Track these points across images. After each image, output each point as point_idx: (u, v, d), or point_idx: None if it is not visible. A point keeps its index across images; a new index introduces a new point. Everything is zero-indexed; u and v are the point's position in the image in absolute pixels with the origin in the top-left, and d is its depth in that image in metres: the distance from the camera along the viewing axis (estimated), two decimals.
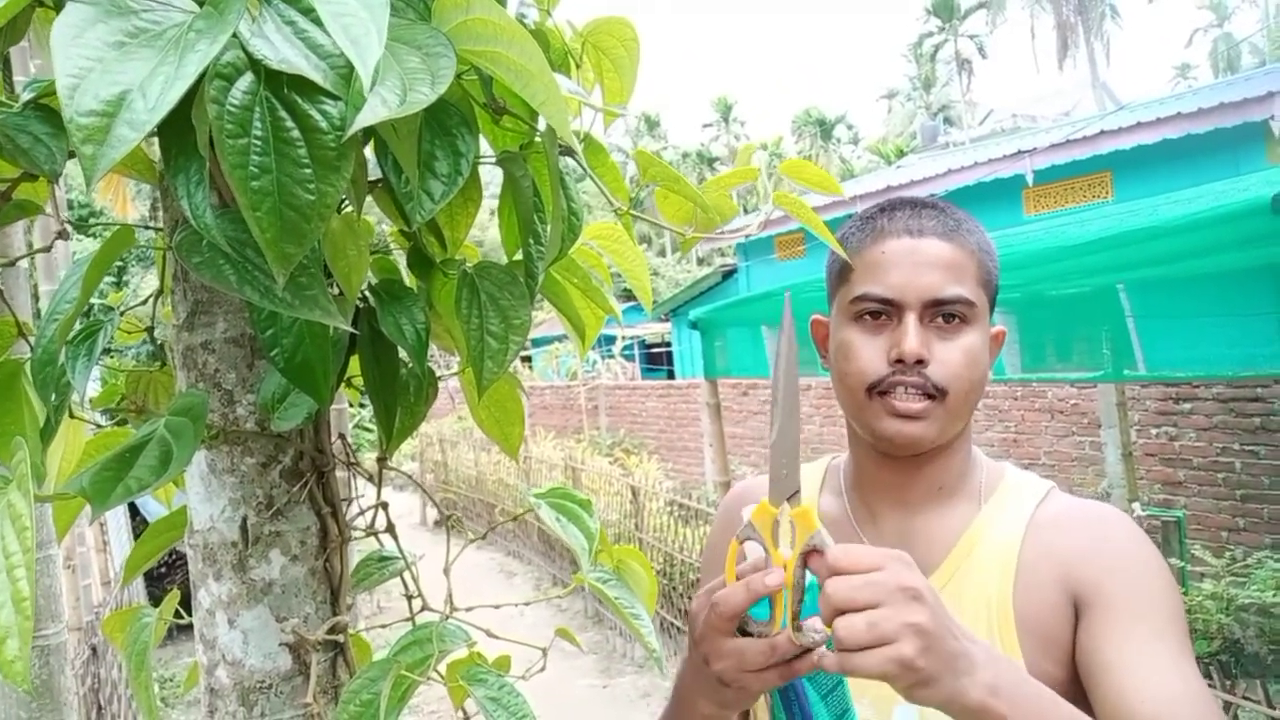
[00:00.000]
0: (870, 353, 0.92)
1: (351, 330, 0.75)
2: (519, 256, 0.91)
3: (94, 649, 4.10)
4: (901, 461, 0.96)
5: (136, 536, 6.68)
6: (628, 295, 25.88)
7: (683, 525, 6.33)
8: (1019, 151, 9.30)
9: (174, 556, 6.49)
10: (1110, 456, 5.52)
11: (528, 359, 20.25)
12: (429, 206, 0.71)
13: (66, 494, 0.61)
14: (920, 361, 0.89)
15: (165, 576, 6.87)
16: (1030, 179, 9.06)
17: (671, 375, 17.58)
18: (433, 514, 10.86)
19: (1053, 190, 9.35)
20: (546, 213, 0.89)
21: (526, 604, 1.09)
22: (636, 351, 20.51)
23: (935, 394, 0.90)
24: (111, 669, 4.30)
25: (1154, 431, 5.96)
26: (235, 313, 0.82)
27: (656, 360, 20.64)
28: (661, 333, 20.12)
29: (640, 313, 21.58)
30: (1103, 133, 8.48)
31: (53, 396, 0.75)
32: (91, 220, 0.93)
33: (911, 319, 0.90)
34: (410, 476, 1.02)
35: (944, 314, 0.91)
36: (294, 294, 0.66)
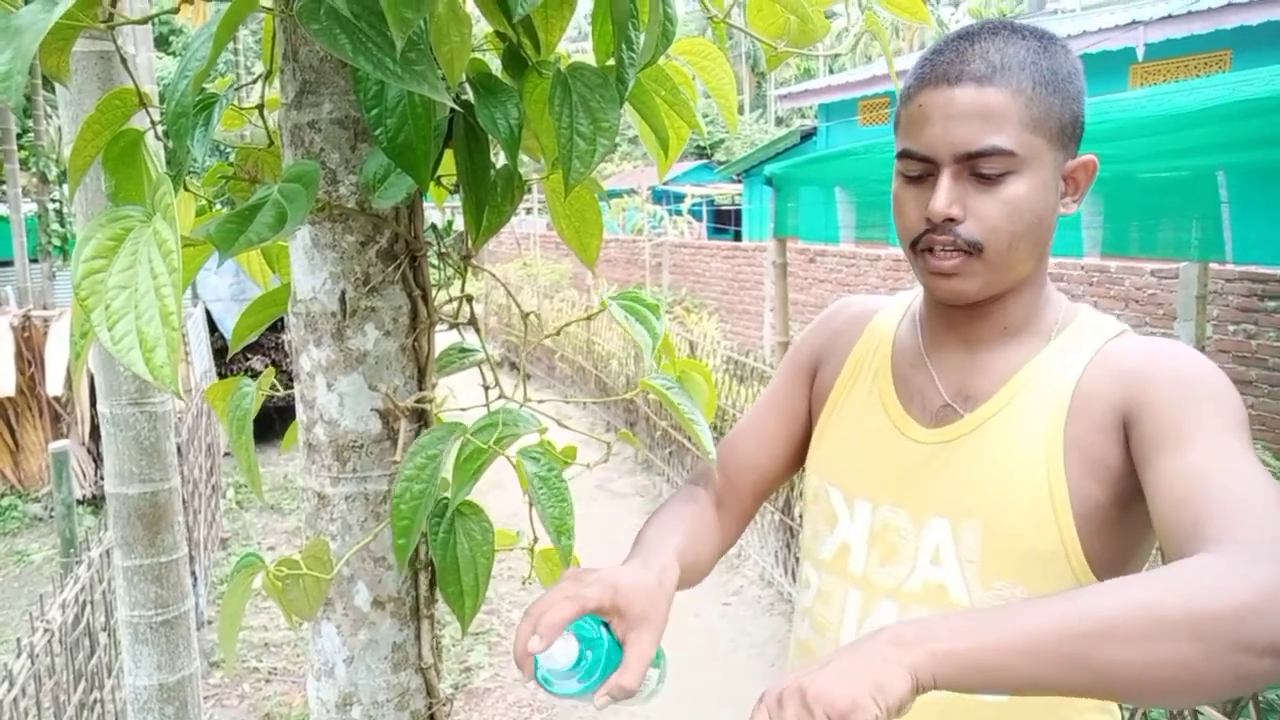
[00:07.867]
0: (911, 210, 0.94)
1: (453, 106, 0.79)
2: (611, 63, 0.92)
3: (178, 448, 4.41)
4: (963, 306, 0.97)
5: (216, 353, 7.03)
6: (699, 153, 25.26)
7: (738, 383, 6.43)
8: (1133, 22, 8.66)
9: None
10: None
11: None
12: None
13: (194, 239, 0.66)
14: (952, 220, 0.89)
15: None
16: (1141, 53, 8.47)
17: (739, 237, 17.38)
18: (494, 353, 11.16)
19: (1163, 68, 8.75)
20: (641, 19, 0.90)
21: (584, 404, 1.15)
22: (705, 210, 20.24)
23: (970, 250, 0.90)
24: (193, 470, 4.64)
25: (1231, 328, 5.78)
26: (341, 95, 0.86)
27: (724, 221, 20.38)
28: (732, 194, 19.76)
29: (711, 171, 21.15)
30: (1230, 4, 7.83)
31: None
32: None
33: (945, 176, 0.90)
34: (490, 272, 1.07)
35: (980, 167, 0.88)
36: (404, 68, 0.69)
